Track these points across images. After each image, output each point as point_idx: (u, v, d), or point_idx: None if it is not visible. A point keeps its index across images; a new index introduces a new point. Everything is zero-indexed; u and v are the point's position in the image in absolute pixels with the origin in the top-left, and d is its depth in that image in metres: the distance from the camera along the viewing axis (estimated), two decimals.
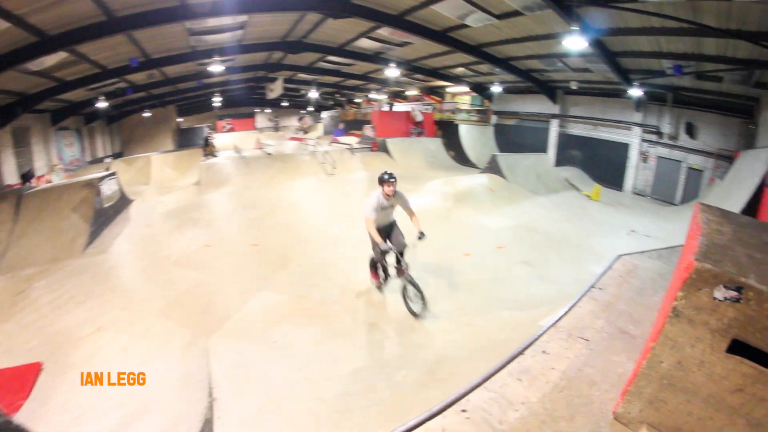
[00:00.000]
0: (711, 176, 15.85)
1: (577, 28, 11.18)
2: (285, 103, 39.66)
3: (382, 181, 6.41)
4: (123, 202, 13.31)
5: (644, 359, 2.04)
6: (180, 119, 32.55)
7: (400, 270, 6.66)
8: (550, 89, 21.16)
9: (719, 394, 1.82)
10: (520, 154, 18.87)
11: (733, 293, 1.69)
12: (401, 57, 20.90)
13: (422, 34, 15.59)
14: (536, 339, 3.19)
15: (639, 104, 17.96)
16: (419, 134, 25.66)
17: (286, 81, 28.08)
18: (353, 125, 32.90)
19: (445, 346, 5.54)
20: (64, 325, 6.45)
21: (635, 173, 18.89)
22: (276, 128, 42.62)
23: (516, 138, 23.99)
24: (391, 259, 6.88)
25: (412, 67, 22.62)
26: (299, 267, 8.77)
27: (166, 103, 28.43)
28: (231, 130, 36.72)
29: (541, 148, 21.75)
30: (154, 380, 5.07)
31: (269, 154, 22.19)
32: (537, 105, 22.47)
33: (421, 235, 6.44)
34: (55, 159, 20.94)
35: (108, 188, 12.07)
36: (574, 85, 19.79)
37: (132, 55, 14.81)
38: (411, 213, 6.77)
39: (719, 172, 15.26)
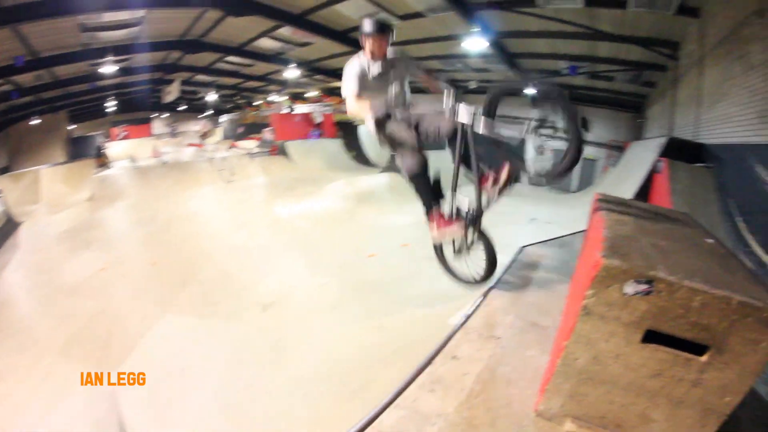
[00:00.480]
0: (604, 165, 17.48)
1: (478, 30, 11.72)
2: (182, 107, 37.90)
3: (374, 29, 3.92)
4: (10, 226, 12.30)
5: (558, 357, 2.01)
6: (72, 126, 30.11)
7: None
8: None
9: (638, 380, 1.84)
10: None
11: (644, 287, 1.71)
12: (302, 57, 20.85)
13: (324, 34, 15.67)
14: (444, 344, 3.04)
15: (535, 102, 19.15)
16: (319, 136, 25.39)
17: (184, 83, 26.79)
18: (253, 128, 32.17)
19: (358, 354, 5.51)
20: None
21: (533, 165, 20.24)
22: (173, 134, 40.80)
23: None
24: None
25: (312, 68, 22.53)
26: (201, 284, 8.45)
27: (56, 109, 26.09)
28: (126, 137, 34.58)
29: (441, 146, 22.48)
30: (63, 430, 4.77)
31: (166, 162, 21.27)
32: (438, 104, 23.15)
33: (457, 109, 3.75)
34: None
35: None
36: (473, 85, 20.64)
37: (17, 52, 13.52)
38: (428, 79, 4.28)
39: (612, 161, 16.86)
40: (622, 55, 13.57)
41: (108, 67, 16.75)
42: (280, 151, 22.77)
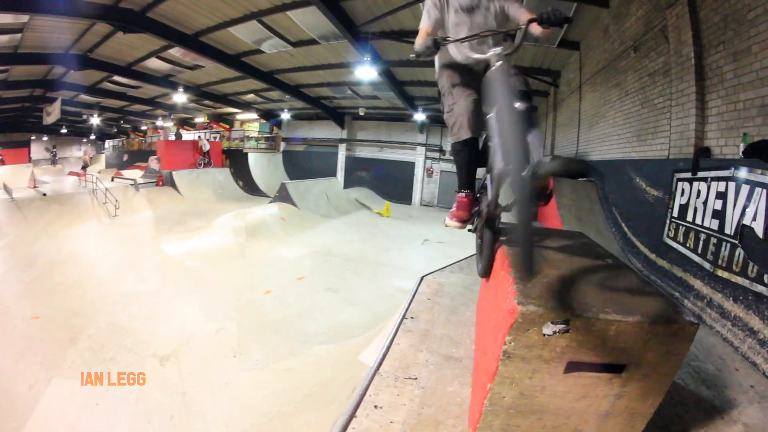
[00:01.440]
0: None
1: (369, 59, 12.02)
2: (64, 130, 34.79)
3: None
4: None
5: (485, 398, 2.01)
6: None
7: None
8: (338, 115, 22.37)
9: (566, 405, 1.90)
10: (311, 180, 19.30)
11: (562, 326, 1.73)
12: (191, 81, 20.21)
13: (216, 58, 15.16)
14: (363, 394, 2.83)
15: (422, 127, 20.07)
16: (206, 165, 24.39)
17: (67, 103, 24.34)
18: (138, 156, 30.37)
19: (270, 402, 5.42)
20: None
21: (422, 187, 21.25)
22: (53, 161, 37.53)
23: (305, 164, 24.73)
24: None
25: (201, 92, 21.88)
26: (91, 338, 7.77)
27: None
28: (1, 163, 31.18)
29: (331, 172, 22.77)
30: None
31: (45, 194, 19.21)
32: (325, 131, 23.59)
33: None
34: None
35: None
36: (362, 112, 21.25)
37: None
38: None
39: None
40: None
41: None
42: (166, 181, 21.71)
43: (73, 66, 17.13)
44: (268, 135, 27.26)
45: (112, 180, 21.86)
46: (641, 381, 1.85)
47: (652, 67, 6.79)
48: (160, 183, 21.63)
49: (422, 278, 5.14)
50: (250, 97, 22.96)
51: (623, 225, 7.33)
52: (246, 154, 25.74)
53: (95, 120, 28.02)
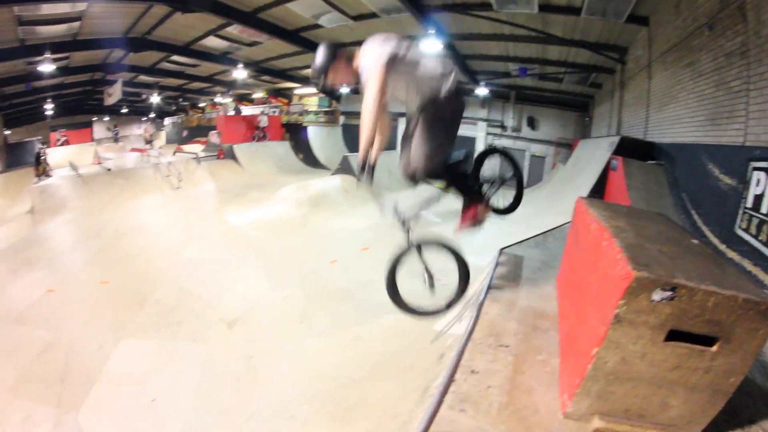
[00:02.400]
0: (553, 161, 17.90)
1: (433, 32, 11.69)
2: (124, 110, 36.40)
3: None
4: None
5: (589, 363, 2.13)
6: (7, 132, 28.34)
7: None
8: None
9: (660, 374, 2.03)
10: None
11: (669, 293, 1.89)
12: (250, 57, 20.48)
13: (274, 33, 15.29)
14: (459, 359, 2.95)
15: (484, 102, 19.51)
16: (261, 139, 24.74)
17: (126, 84, 25.28)
18: (197, 132, 31.24)
19: (340, 369, 5.36)
20: None
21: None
22: (116, 139, 39.16)
23: None
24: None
25: (260, 68, 22.17)
26: (158, 303, 8.00)
27: None
28: (66, 143, 32.76)
29: (392, 146, 22.49)
30: None
31: (109, 169, 19.97)
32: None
33: None
34: None
35: None
36: None
37: None
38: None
39: (560, 158, 17.31)
40: (571, 59, 14.06)
41: (46, 66, 15.66)
42: (227, 154, 22.16)
43: (132, 49, 17.78)
44: (327, 109, 27.34)
45: (174, 155, 22.48)
46: (728, 357, 1.96)
47: (728, 48, 6.42)
48: (221, 156, 22.05)
49: (501, 251, 5.23)
50: (309, 71, 22.87)
51: (693, 212, 7.19)
52: (305, 127, 25.98)
53: (155, 99, 28.91)
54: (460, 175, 3.67)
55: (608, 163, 9.84)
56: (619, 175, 9.03)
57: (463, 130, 20.17)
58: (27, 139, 27.78)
